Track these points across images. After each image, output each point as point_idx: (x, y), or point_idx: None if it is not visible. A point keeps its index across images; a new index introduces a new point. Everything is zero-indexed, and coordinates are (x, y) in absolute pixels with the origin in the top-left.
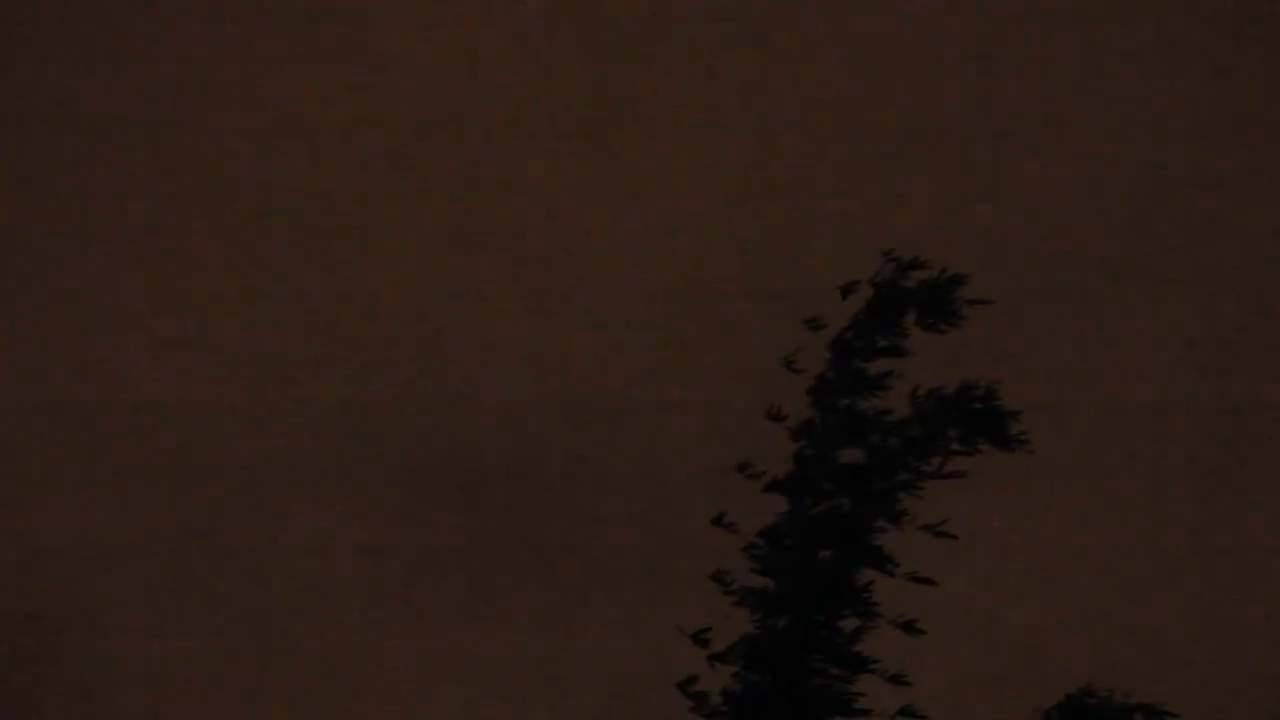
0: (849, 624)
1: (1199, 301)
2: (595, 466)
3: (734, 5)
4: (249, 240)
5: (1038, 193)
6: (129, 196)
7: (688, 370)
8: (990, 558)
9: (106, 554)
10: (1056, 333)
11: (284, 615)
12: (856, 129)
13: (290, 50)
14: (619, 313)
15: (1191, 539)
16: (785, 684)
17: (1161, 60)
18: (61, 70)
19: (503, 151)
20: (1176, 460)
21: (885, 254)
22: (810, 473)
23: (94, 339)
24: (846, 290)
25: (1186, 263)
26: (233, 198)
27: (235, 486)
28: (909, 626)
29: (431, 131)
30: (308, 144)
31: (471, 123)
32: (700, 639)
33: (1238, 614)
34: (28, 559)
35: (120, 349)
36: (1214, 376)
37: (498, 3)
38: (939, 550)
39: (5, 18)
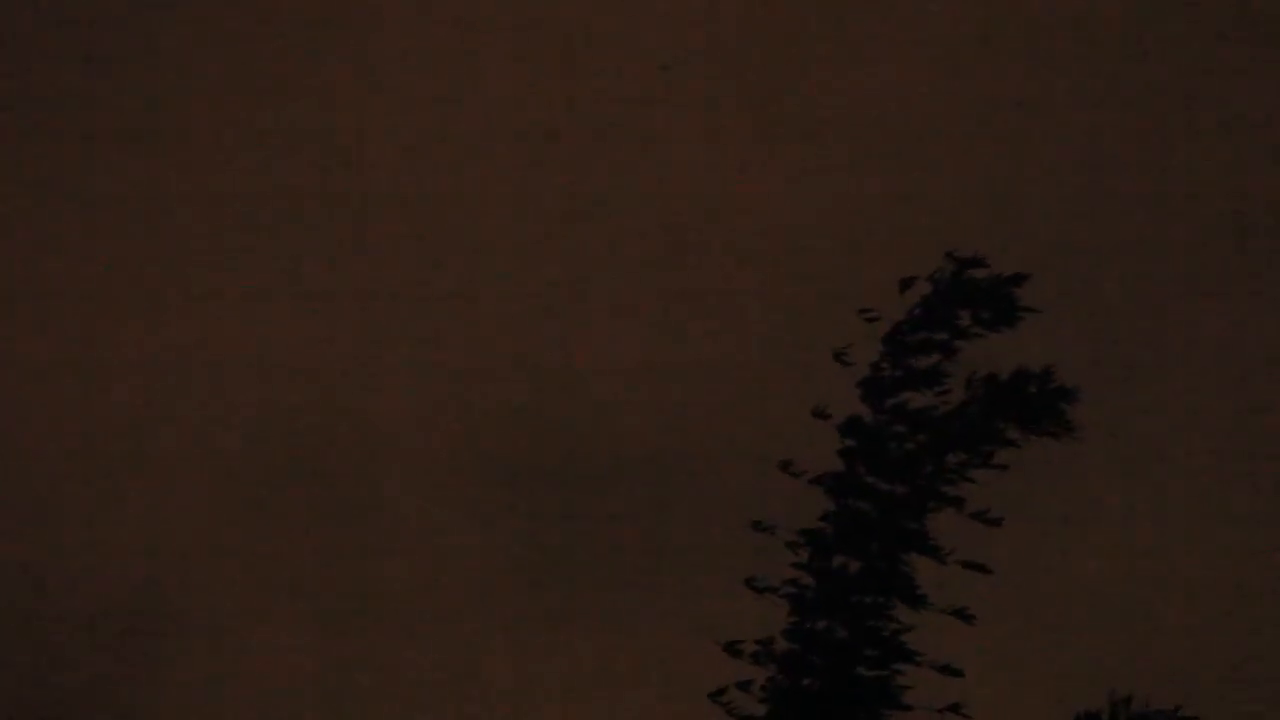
0: (897, 616)
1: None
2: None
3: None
4: (346, 239)
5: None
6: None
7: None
8: (1043, 552)
9: (213, 554)
10: (1119, 334)
11: (390, 615)
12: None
13: (291, 52)
14: (684, 313)
15: (1245, 547)
16: (832, 681)
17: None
18: (79, 73)
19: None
20: (1233, 470)
21: (948, 253)
22: (854, 470)
23: (201, 344)
24: (905, 285)
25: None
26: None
27: (342, 486)
28: (960, 614)
29: (529, 137)
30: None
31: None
32: (733, 649)
33: None
34: (136, 560)
35: (226, 351)
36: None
37: (496, 3)
38: (988, 541)
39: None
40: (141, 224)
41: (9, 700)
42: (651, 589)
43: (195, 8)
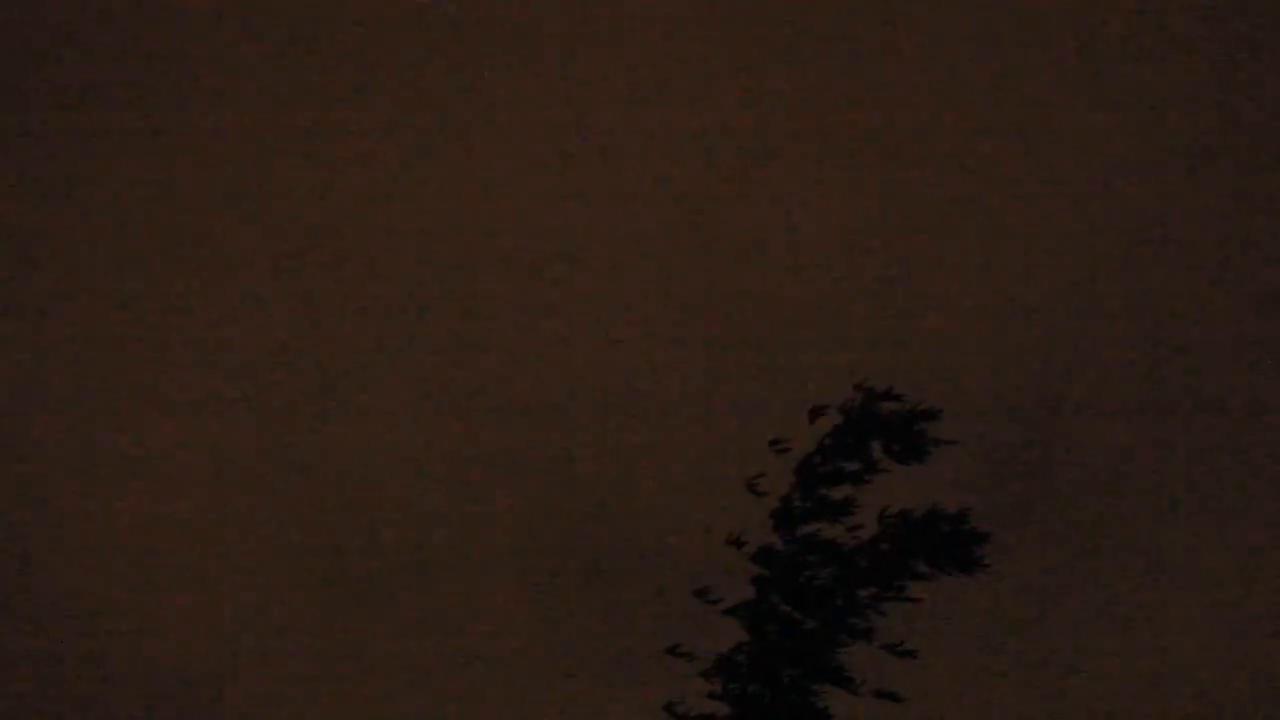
0: None
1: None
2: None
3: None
4: (432, 254)
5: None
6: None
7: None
8: (959, 679)
9: (261, 614)
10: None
11: (443, 680)
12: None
13: (293, 56)
14: (598, 422)
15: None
16: None
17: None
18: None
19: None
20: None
21: (857, 385)
22: (769, 598)
23: (267, 392)
24: (815, 414)
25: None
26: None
27: (393, 543)
28: None
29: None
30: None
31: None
32: None
33: None
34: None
35: (294, 396)
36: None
37: (496, 4)
38: (900, 670)
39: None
40: (141, 224)
41: None
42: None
43: (196, 8)
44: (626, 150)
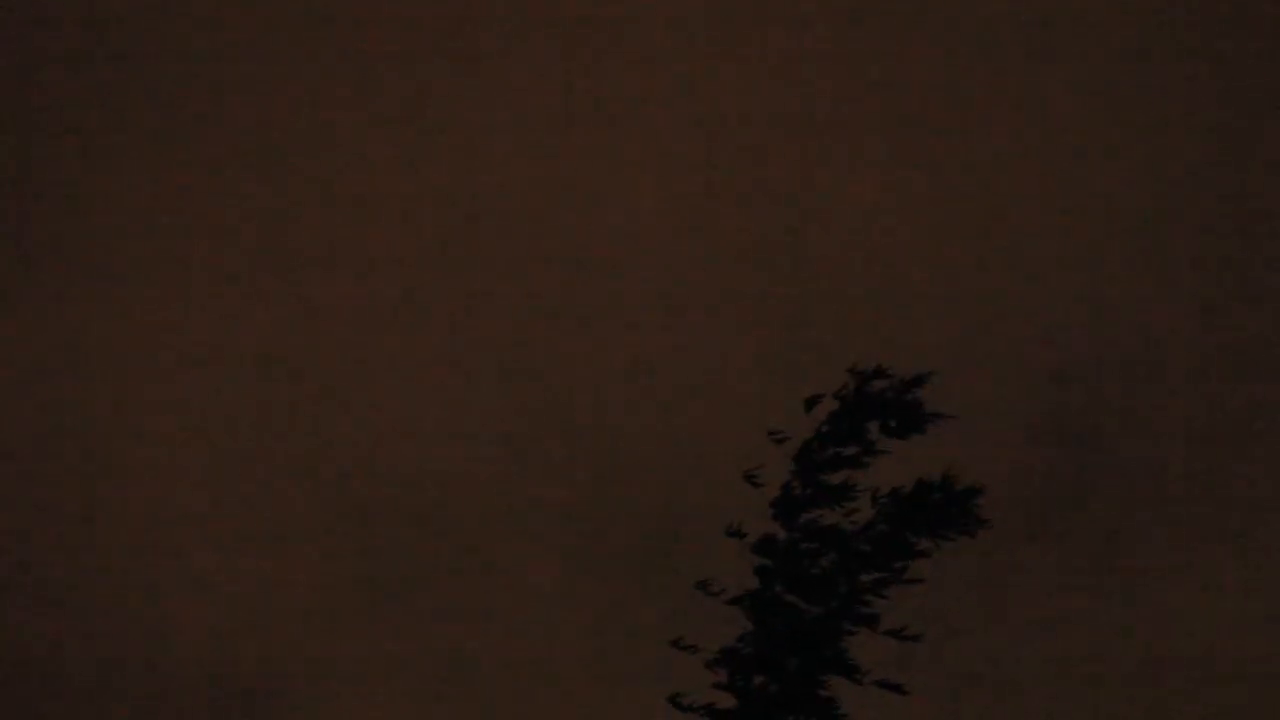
0: None
1: None
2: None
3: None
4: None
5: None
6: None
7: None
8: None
9: (314, 622)
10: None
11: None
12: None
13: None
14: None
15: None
16: None
17: None
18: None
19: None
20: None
21: (850, 369)
22: (772, 588)
23: (335, 410)
24: (810, 403)
25: None
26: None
27: (455, 542)
28: None
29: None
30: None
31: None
32: None
33: None
34: (237, 620)
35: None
36: None
37: (496, 4)
38: (906, 656)
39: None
40: (142, 224)
41: None
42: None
43: (196, 9)
44: (628, 148)
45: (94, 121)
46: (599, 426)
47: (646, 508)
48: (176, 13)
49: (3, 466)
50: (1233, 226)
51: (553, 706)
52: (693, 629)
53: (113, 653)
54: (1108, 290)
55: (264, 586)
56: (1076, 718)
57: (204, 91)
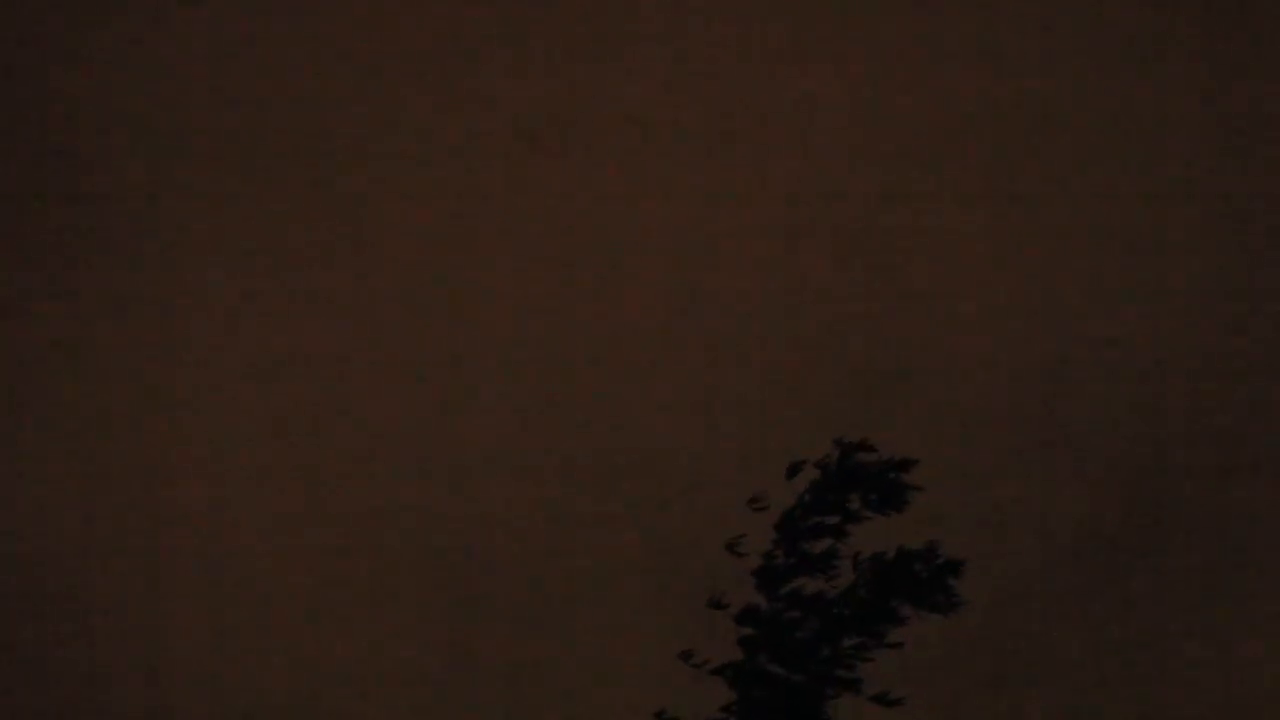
0: None
1: None
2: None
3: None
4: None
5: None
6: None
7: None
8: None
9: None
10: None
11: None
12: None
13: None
14: (585, 495)
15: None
16: None
17: None
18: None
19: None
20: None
21: (836, 440)
22: (757, 659)
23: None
24: (792, 471)
25: None
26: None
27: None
28: None
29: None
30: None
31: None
32: None
33: None
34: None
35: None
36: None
37: (496, 3)
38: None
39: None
40: (141, 224)
41: None
42: None
43: (195, 8)
44: (620, 150)
45: (93, 119)
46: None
47: (624, 578)
48: (177, 12)
49: (59, 471)
50: None
51: None
52: (676, 698)
53: (55, 649)
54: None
55: (294, 595)
56: None
57: (204, 90)
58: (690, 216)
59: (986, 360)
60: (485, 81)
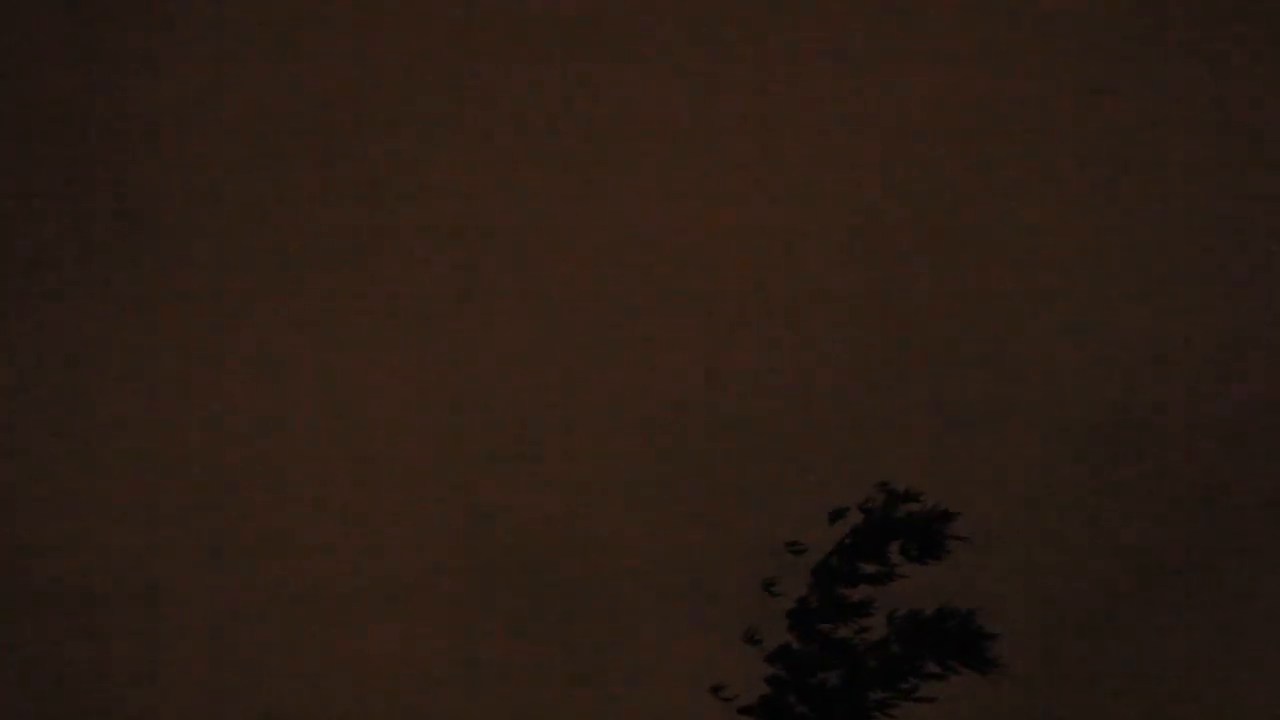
0: None
1: None
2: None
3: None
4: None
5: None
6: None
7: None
8: None
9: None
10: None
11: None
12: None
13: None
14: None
15: None
16: None
17: None
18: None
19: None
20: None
21: (880, 483)
22: (785, 698)
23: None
24: (835, 516)
25: None
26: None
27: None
28: None
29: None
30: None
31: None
32: None
33: None
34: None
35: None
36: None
37: (498, 2)
38: None
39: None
40: (142, 224)
41: None
42: None
43: (194, 8)
44: (621, 150)
45: (92, 119)
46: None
47: (649, 608)
48: (177, 12)
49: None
50: None
51: None
52: None
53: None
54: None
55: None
56: None
57: (204, 89)
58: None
59: (987, 358)
60: (486, 81)
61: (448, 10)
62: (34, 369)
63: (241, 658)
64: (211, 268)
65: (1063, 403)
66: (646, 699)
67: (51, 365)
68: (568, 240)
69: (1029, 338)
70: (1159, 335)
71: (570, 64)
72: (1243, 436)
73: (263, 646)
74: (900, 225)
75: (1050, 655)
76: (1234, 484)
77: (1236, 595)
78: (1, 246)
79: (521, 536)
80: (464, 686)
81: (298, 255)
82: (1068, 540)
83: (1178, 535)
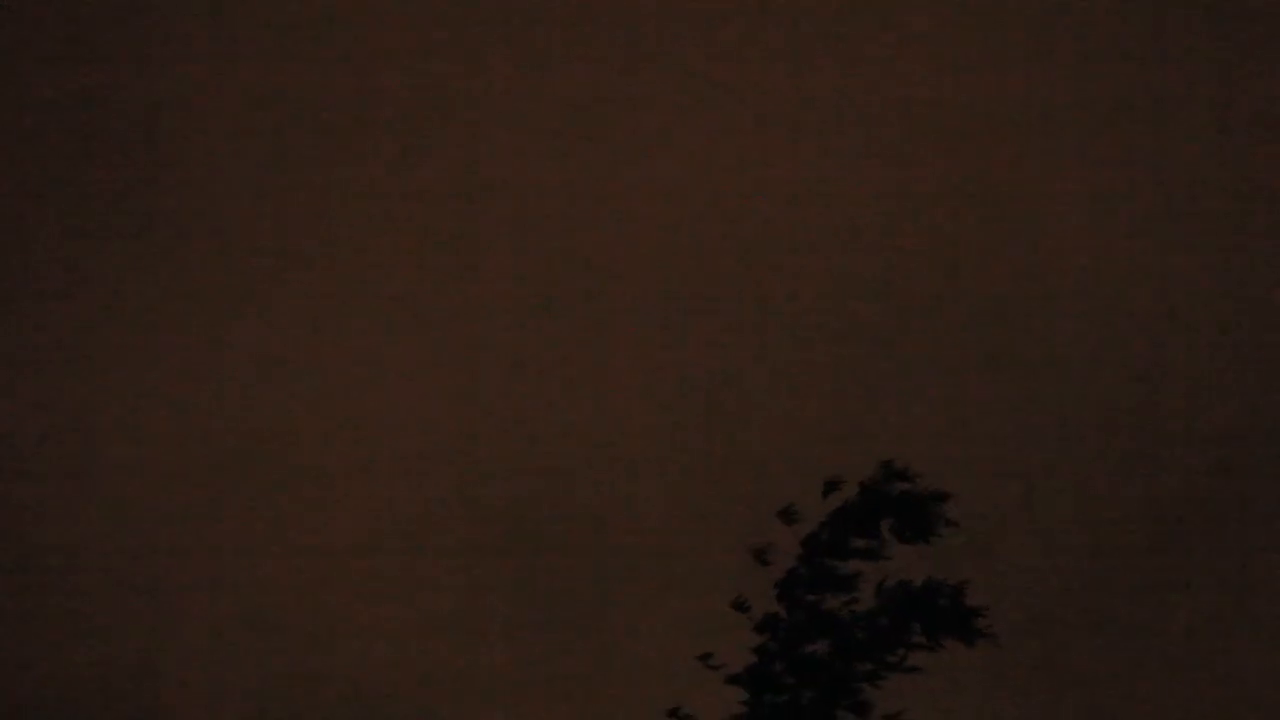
0: None
1: None
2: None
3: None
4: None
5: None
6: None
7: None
8: None
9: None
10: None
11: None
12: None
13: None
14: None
15: None
16: None
17: None
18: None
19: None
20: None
21: (883, 462)
22: (772, 667)
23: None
24: (829, 488)
25: None
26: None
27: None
28: None
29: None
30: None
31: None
32: None
33: None
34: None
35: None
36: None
37: (496, 2)
38: None
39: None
40: (142, 223)
41: None
42: None
43: (194, 7)
44: (621, 150)
45: (92, 119)
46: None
47: (648, 578)
48: (176, 10)
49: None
50: None
51: None
52: (693, 700)
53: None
54: None
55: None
56: None
57: (205, 88)
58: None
59: (986, 357)
60: (488, 80)
61: (448, 10)
62: (33, 370)
63: (253, 621)
64: (211, 268)
65: (1064, 398)
66: (641, 656)
67: (52, 364)
68: (567, 217)
69: (1030, 334)
70: (1159, 334)
71: (570, 64)
72: (1242, 410)
73: (276, 609)
74: (902, 219)
75: (1042, 631)
76: (1235, 457)
77: (1238, 570)
78: (2, 246)
79: (521, 504)
80: (465, 642)
81: (298, 255)
82: (1061, 518)
83: (1178, 507)
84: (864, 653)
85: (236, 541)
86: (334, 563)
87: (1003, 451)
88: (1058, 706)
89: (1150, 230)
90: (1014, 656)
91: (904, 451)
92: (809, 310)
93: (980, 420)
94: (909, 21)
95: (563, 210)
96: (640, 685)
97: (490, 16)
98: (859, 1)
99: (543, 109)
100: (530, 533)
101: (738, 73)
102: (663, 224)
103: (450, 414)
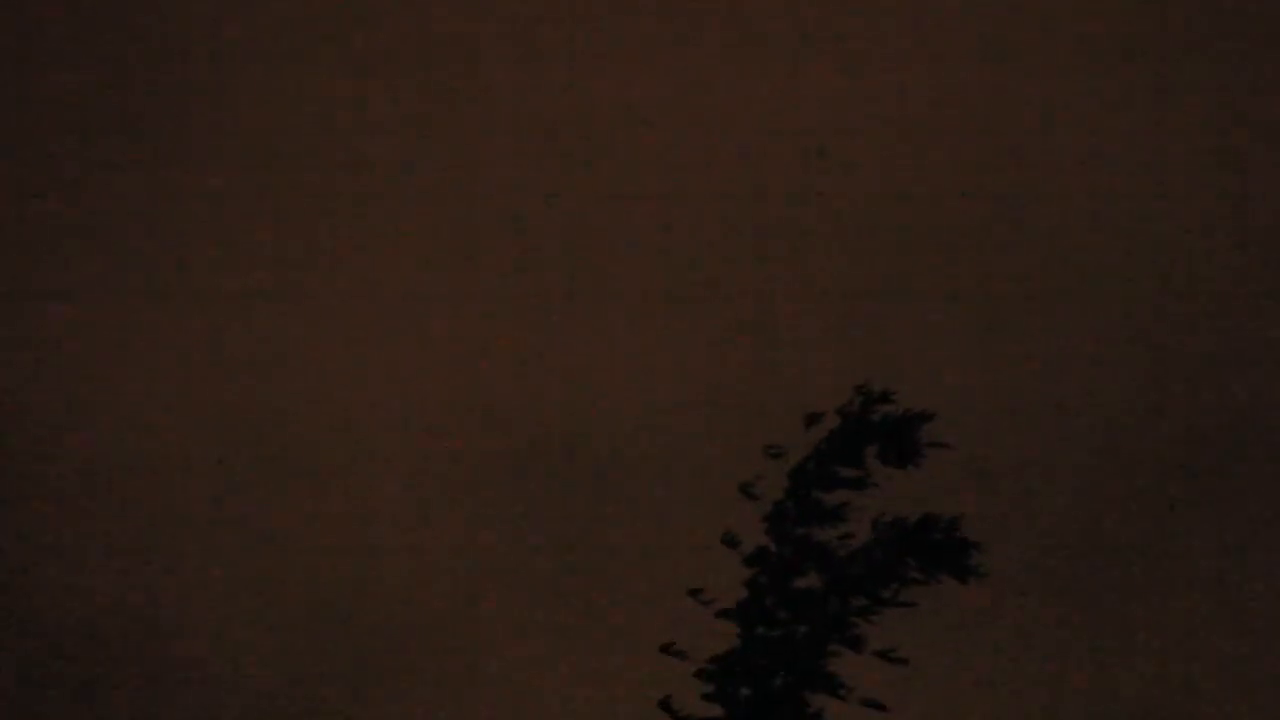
0: None
1: None
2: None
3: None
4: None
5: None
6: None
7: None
8: (942, 687)
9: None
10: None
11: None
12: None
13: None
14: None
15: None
16: None
17: None
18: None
19: None
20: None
21: (857, 387)
22: (763, 600)
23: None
24: (811, 420)
25: None
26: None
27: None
28: None
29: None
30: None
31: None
32: None
33: None
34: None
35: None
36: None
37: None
38: (892, 676)
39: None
40: (142, 223)
41: None
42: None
43: (194, 7)
44: (620, 149)
45: (93, 119)
46: (594, 432)
47: (640, 513)
48: (177, 10)
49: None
50: None
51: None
52: (685, 637)
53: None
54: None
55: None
56: None
57: (204, 88)
58: (690, 216)
59: (986, 355)
60: (487, 80)
61: (448, 10)
62: (34, 369)
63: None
64: (212, 267)
65: (1066, 390)
66: (635, 592)
67: (52, 365)
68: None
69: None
70: (1159, 336)
71: (570, 63)
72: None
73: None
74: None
75: (1035, 565)
76: (1236, 383)
77: (1235, 506)
78: (1, 246)
79: (526, 439)
80: (465, 641)
81: (297, 255)
82: (1058, 452)
83: (1174, 449)
84: (858, 588)
85: (237, 540)
86: (334, 562)
87: (999, 381)
88: (1056, 636)
89: (1149, 227)
90: (1014, 588)
91: (901, 387)
92: (811, 272)
93: (980, 354)
94: (909, 21)
95: (563, 210)
96: (635, 621)
97: (490, 16)
98: (859, 2)
99: (543, 109)
100: (530, 466)
101: (738, 73)
102: (662, 224)
103: (450, 413)
